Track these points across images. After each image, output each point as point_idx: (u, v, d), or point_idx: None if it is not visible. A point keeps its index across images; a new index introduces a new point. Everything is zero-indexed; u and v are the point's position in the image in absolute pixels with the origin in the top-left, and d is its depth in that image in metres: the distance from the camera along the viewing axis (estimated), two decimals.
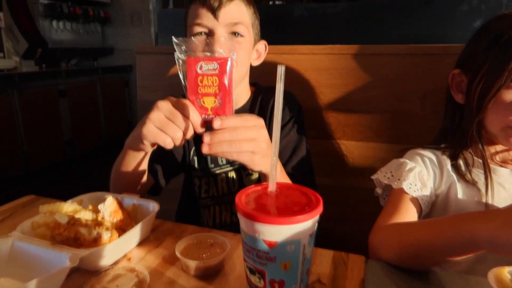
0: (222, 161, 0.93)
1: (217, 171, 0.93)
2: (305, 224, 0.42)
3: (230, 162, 0.93)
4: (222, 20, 0.81)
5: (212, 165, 0.93)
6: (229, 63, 0.55)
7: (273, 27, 1.37)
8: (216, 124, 0.57)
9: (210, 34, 0.82)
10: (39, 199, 0.83)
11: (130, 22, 4.48)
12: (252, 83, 1.00)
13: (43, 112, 3.39)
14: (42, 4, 3.77)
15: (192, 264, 0.53)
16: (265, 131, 0.61)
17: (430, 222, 0.57)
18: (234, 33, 0.83)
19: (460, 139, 0.74)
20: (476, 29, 0.74)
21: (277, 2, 1.89)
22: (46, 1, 3.79)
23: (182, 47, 0.60)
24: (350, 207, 1.14)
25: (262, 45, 0.95)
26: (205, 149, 0.56)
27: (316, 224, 0.45)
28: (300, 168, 0.87)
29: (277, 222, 0.41)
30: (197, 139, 0.93)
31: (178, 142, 0.61)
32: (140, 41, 4.48)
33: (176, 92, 1.24)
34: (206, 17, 0.81)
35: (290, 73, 1.12)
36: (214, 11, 0.80)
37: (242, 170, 0.93)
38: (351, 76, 1.09)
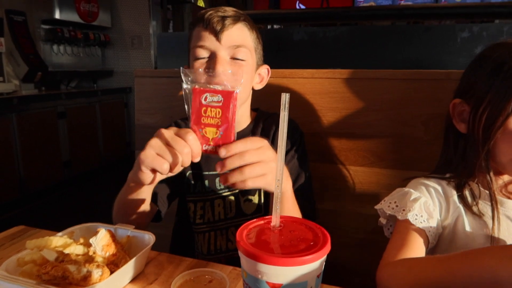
0: (220, 185, 0.90)
1: (215, 196, 0.90)
2: (312, 265, 0.39)
3: (227, 187, 0.90)
4: (224, 43, 0.81)
5: (210, 189, 0.90)
6: (233, 96, 0.55)
7: (273, 51, 1.37)
8: (222, 153, 0.56)
9: (212, 57, 0.82)
10: (29, 230, 0.79)
11: (130, 45, 4.54)
12: (254, 109, 0.98)
13: (41, 133, 3.39)
14: (44, 29, 3.83)
15: None
16: (272, 151, 0.60)
17: (442, 259, 0.53)
18: (236, 58, 0.83)
19: (465, 169, 0.71)
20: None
21: (275, 26, 1.91)
22: (47, 26, 3.85)
23: (189, 78, 0.60)
24: (352, 233, 1.10)
25: (265, 69, 0.94)
26: (224, 182, 0.56)
27: (323, 265, 0.41)
28: (301, 196, 0.84)
29: (282, 263, 0.38)
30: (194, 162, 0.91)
31: (175, 169, 0.59)
32: (140, 63, 4.53)
33: (175, 115, 1.23)
34: (208, 40, 0.82)
35: (291, 97, 1.09)
36: (216, 34, 0.81)
37: (240, 195, 0.90)
38: (352, 100, 1.08)
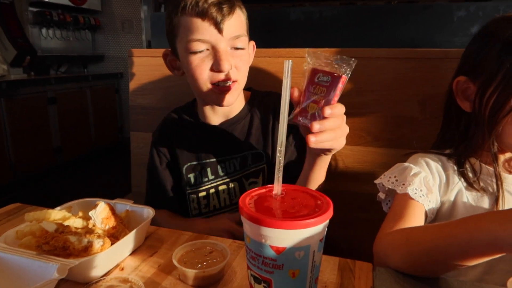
0: (222, 171, 0.90)
1: (219, 182, 0.90)
2: (315, 229, 0.39)
3: (230, 172, 0.89)
4: (226, 34, 0.77)
5: (213, 177, 0.89)
6: (340, 79, 0.57)
7: (269, 30, 1.35)
8: (327, 112, 0.56)
9: (213, 50, 0.78)
10: (25, 207, 0.78)
11: (121, 29, 4.45)
12: (247, 88, 0.97)
13: (32, 119, 3.33)
14: (32, 11, 3.73)
15: (191, 273, 0.49)
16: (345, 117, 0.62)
17: (441, 225, 0.54)
18: (236, 48, 0.80)
19: (468, 146, 0.72)
20: (475, 32, 0.72)
21: (273, 5, 1.89)
22: (35, 9, 3.75)
23: (311, 58, 0.61)
24: (348, 212, 1.12)
25: (251, 45, 0.91)
26: (312, 140, 0.57)
27: (326, 229, 0.42)
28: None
29: (286, 226, 0.38)
30: (191, 153, 0.91)
31: None
32: (131, 48, 4.45)
33: (170, 95, 1.22)
34: (208, 32, 0.76)
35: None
36: (217, 25, 0.76)
37: (244, 178, 0.89)
38: (349, 80, 1.07)
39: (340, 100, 1.20)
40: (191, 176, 0.90)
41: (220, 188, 0.89)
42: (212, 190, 0.90)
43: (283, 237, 0.39)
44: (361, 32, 1.27)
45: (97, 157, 4.08)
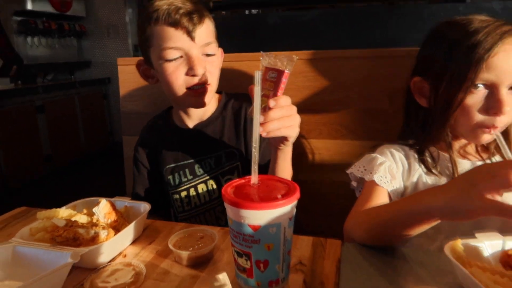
0: (200, 171, 0.96)
1: (197, 181, 0.96)
2: (284, 209, 0.48)
3: (207, 171, 0.96)
4: (198, 41, 0.84)
5: (191, 176, 0.96)
6: (284, 74, 0.64)
7: (250, 35, 1.43)
8: (272, 103, 0.63)
9: (186, 57, 0.84)
10: (31, 210, 0.85)
11: (106, 35, 4.48)
12: (218, 92, 1.02)
13: (21, 128, 3.36)
14: (16, 20, 3.74)
15: (184, 254, 0.58)
16: (295, 108, 0.68)
17: (393, 203, 0.63)
18: (207, 54, 0.87)
19: (426, 137, 0.81)
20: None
21: (253, 11, 1.97)
22: (19, 18, 3.76)
23: (263, 59, 0.68)
24: (329, 201, 1.20)
25: (220, 52, 0.97)
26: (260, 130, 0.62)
27: (295, 209, 0.51)
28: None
29: (260, 207, 0.47)
30: (169, 157, 0.98)
31: None
32: (118, 53, 4.48)
33: (159, 101, 1.29)
34: (181, 40, 0.82)
35: None
36: (190, 33, 0.82)
37: (220, 176, 0.96)
38: (324, 79, 1.17)
39: (317, 98, 1.29)
40: (171, 178, 0.97)
41: (199, 186, 0.96)
42: (192, 189, 0.96)
43: (258, 217, 0.48)
44: (337, 34, 1.36)
45: (88, 163, 4.12)
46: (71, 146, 3.99)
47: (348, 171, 0.86)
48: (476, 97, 0.70)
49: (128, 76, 1.34)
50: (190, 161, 0.97)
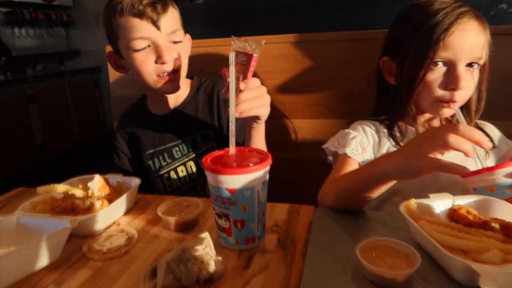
0: (177, 154, 1.02)
1: (176, 164, 1.02)
2: (258, 173, 0.55)
3: (185, 154, 1.02)
4: (163, 30, 0.87)
5: (170, 160, 1.02)
6: (253, 57, 0.70)
7: (234, 20, 1.48)
8: (242, 85, 0.69)
9: (154, 46, 0.88)
10: (29, 190, 0.91)
11: (95, 23, 4.45)
12: (189, 77, 1.07)
13: (13, 119, 3.37)
14: (2, 12, 3.71)
15: (172, 220, 0.64)
16: (265, 88, 0.74)
17: (356, 170, 0.71)
18: (174, 42, 0.91)
19: (395, 112, 0.88)
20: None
21: None
22: (6, 9, 3.73)
23: (234, 44, 0.72)
24: (310, 176, 1.28)
25: (187, 38, 1.01)
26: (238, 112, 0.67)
27: (267, 174, 0.57)
28: None
29: (235, 172, 0.54)
30: (147, 143, 1.03)
31: None
32: (107, 42, 4.46)
33: None
34: (147, 30, 0.86)
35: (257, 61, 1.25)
36: (155, 22, 0.85)
37: (198, 157, 1.02)
38: (306, 61, 1.22)
39: (299, 80, 1.35)
40: (151, 163, 1.03)
41: (179, 169, 1.02)
42: (172, 172, 1.02)
43: (234, 181, 0.54)
44: (318, 18, 1.41)
45: (82, 152, 4.15)
46: (64, 135, 4.01)
47: (324, 146, 0.92)
48: (436, 73, 0.76)
49: None
50: (168, 145, 1.02)
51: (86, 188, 0.72)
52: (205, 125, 1.01)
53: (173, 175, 1.03)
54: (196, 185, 1.03)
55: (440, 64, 0.76)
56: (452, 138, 0.53)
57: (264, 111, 0.75)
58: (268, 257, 0.57)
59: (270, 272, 0.53)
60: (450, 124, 0.59)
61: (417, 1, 0.83)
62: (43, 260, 0.55)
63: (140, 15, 0.85)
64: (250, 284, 0.50)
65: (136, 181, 0.76)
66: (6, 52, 3.64)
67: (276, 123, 1.16)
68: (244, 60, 0.70)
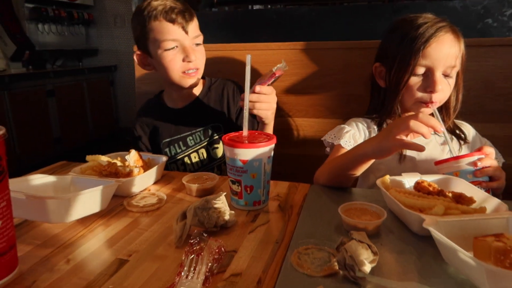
0: (191, 142, 1.18)
1: (190, 151, 1.18)
2: (264, 149, 0.70)
3: (197, 142, 1.18)
4: (190, 34, 1.06)
5: (184, 148, 1.18)
6: (273, 74, 0.92)
7: (251, 29, 1.64)
8: (257, 88, 0.90)
9: (181, 47, 1.06)
10: (71, 163, 1.08)
11: (113, 24, 4.67)
12: (202, 77, 1.23)
13: (33, 111, 3.53)
14: (28, 8, 3.93)
15: (194, 187, 0.80)
16: (276, 98, 0.94)
17: (343, 153, 0.86)
18: (196, 44, 1.09)
19: (385, 111, 1.03)
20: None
21: (255, 7, 2.19)
22: (31, 5, 3.95)
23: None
24: (313, 171, 1.42)
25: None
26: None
27: (272, 151, 0.73)
28: None
29: (248, 147, 0.69)
30: (165, 133, 1.19)
31: None
32: (124, 42, 4.68)
33: None
34: (177, 33, 1.04)
35: (262, 65, 1.40)
36: (184, 28, 1.04)
37: (208, 145, 1.18)
38: (309, 66, 1.38)
39: (303, 83, 1.51)
40: (167, 150, 1.19)
41: (192, 155, 1.18)
42: (186, 158, 1.18)
43: (246, 154, 0.70)
44: (323, 28, 1.57)
45: (95, 147, 4.33)
46: (80, 130, 4.19)
47: (323, 138, 1.07)
48: (417, 78, 0.91)
49: None
50: (182, 135, 1.18)
51: (123, 161, 0.88)
52: (215, 118, 1.18)
53: (186, 160, 1.18)
54: (207, 170, 1.18)
55: (421, 70, 0.91)
56: (413, 123, 0.68)
57: (264, 115, 0.94)
58: (270, 216, 0.72)
59: (271, 224, 0.68)
60: (413, 114, 0.74)
61: (405, 16, 0.98)
62: (95, 206, 0.70)
63: (173, 21, 1.03)
64: (255, 231, 0.66)
65: (163, 158, 0.92)
66: (30, 47, 3.85)
67: (281, 121, 1.31)
68: (269, 74, 0.91)
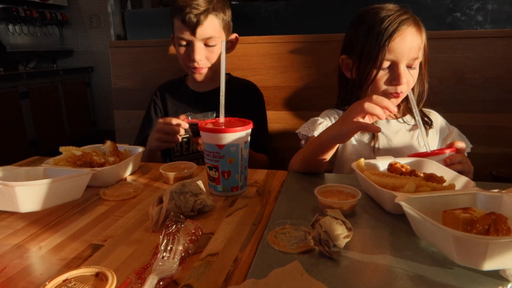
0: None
1: (197, 155, 1.20)
2: (241, 133, 0.71)
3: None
4: (198, 36, 1.10)
5: (192, 150, 1.21)
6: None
7: (249, 22, 1.64)
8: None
9: (190, 46, 1.12)
10: (43, 158, 1.04)
11: (89, 24, 4.57)
12: (227, 73, 1.28)
13: (5, 114, 3.43)
14: None
15: (171, 175, 0.79)
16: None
17: (311, 141, 0.88)
18: (208, 45, 1.13)
19: (353, 102, 1.05)
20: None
21: (232, 2, 2.19)
22: (1, 5, 3.82)
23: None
24: (285, 162, 1.43)
25: (234, 36, 1.24)
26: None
27: (249, 136, 0.73)
28: (265, 137, 1.26)
29: (225, 131, 0.69)
30: (181, 109, 1.21)
31: None
32: (100, 42, 4.58)
33: (148, 79, 1.49)
34: (186, 33, 1.10)
35: (241, 58, 1.41)
36: (192, 29, 1.09)
37: None
38: (287, 60, 1.40)
39: (283, 76, 1.49)
40: (182, 147, 1.20)
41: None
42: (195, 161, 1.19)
43: (223, 138, 0.70)
44: (320, 20, 1.57)
45: None
46: (56, 133, 4.08)
47: (297, 131, 1.08)
48: (383, 72, 0.94)
49: (118, 56, 1.53)
50: (196, 114, 1.20)
51: (98, 154, 0.86)
52: (227, 108, 1.18)
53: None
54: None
55: (386, 64, 0.93)
56: (367, 105, 0.71)
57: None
58: (248, 200, 0.72)
59: (249, 208, 0.68)
60: (367, 97, 0.76)
61: (369, 7, 1.00)
62: (69, 195, 0.69)
63: (184, 22, 1.08)
64: (233, 215, 0.66)
65: (139, 149, 0.91)
66: (0, 48, 3.72)
67: None
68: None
